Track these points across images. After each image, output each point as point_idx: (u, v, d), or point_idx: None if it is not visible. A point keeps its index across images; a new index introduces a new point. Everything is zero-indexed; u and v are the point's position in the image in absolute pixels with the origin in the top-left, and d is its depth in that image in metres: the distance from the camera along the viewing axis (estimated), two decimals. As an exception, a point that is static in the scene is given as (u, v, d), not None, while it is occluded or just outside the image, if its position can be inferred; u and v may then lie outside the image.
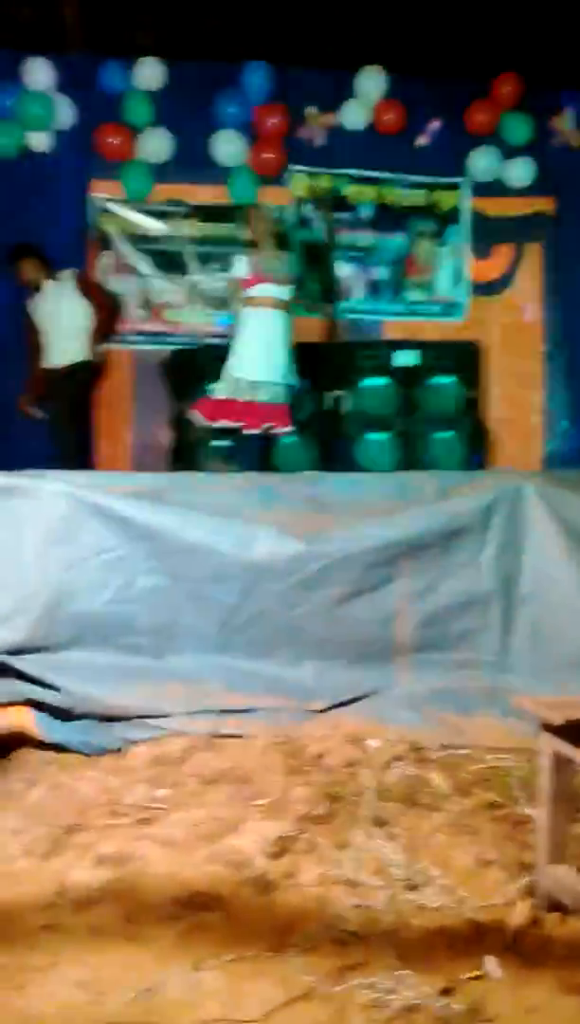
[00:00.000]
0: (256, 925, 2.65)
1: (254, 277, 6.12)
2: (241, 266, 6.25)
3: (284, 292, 6.15)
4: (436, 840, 3.08)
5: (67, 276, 6.88)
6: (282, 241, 6.52)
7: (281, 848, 2.97)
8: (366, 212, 7.78)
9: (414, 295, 7.90)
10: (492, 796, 3.33)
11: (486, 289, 7.97)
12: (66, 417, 6.72)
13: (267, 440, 6.11)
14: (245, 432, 6.01)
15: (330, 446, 6.90)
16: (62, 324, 6.77)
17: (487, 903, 2.72)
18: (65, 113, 7.22)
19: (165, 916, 2.64)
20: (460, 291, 7.95)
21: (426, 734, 3.65)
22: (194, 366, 6.88)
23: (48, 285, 6.83)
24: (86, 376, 6.93)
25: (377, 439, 6.97)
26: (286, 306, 6.15)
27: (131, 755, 3.48)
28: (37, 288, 6.84)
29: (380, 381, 7.03)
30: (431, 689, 3.87)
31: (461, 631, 4.03)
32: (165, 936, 2.56)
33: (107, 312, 7.09)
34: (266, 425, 5.98)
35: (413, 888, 2.83)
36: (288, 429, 6.12)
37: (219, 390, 6.04)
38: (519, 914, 2.63)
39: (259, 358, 5.97)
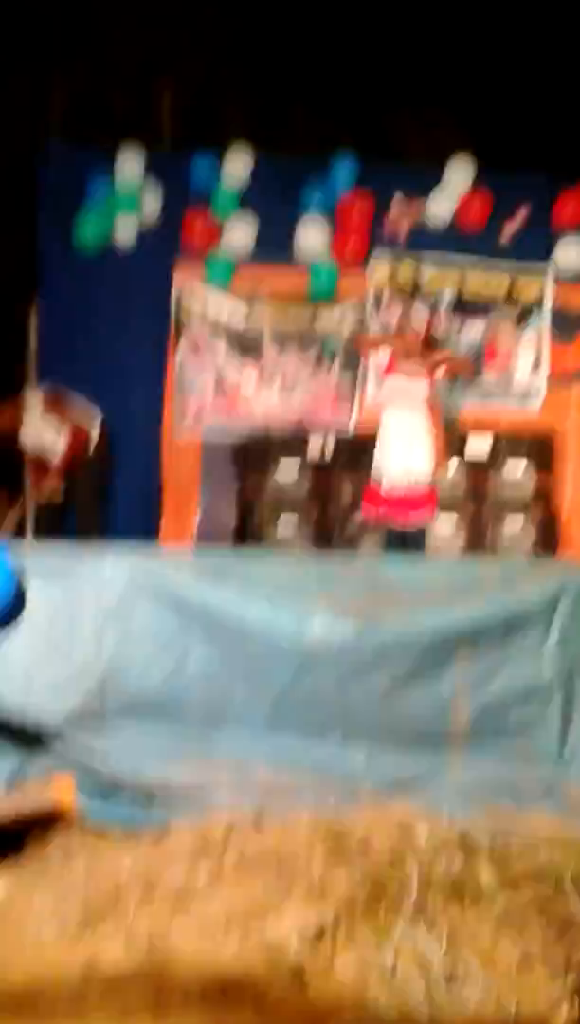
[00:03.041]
0: (290, 1013, 2.61)
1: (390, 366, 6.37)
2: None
3: (415, 388, 6.30)
4: (480, 935, 3.00)
5: (35, 399, 6.78)
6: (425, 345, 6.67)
7: (319, 935, 2.92)
8: (446, 299, 7.83)
9: (491, 382, 7.90)
10: (542, 892, 3.23)
11: (565, 378, 7.95)
12: None
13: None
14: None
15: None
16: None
17: (530, 1003, 2.64)
18: (153, 201, 7.47)
19: (196, 1001, 2.61)
20: (538, 379, 7.93)
21: (475, 826, 3.56)
22: (263, 449, 7.03)
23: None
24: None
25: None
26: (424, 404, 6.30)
27: (173, 833, 3.46)
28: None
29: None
30: (484, 779, 3.79)
31: (519, 722, 3.95)
32: (196, 1020, 2.53)
33: (75, 436, 6.77)
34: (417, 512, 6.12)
35: (453, 983, 2.76)
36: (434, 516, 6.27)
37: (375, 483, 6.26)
38: (563, 1016, 2.55)
39: (396, 449, 6.15)
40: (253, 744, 3.69)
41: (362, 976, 2.79)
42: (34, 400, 6.69)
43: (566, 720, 3.98)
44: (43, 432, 6.66)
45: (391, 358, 6.38)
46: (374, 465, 6.19)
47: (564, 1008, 2.57)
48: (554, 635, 4.04)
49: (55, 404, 6.66)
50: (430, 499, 6.11)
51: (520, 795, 3.73)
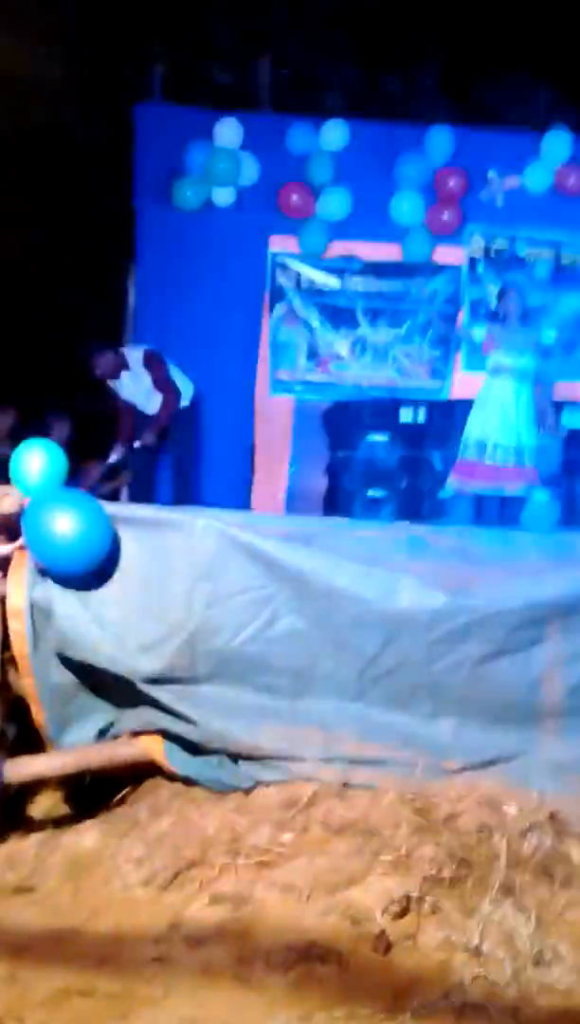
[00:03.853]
0: (372, 984, 2.56)
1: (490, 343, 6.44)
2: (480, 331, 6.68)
3: (522, 361, 6.34)
4: (569, 917, 2.93)
5: (134, 356, 6.83)
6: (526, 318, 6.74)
7: (404, 907, 2.88)
8: (542, 271, 7.69)
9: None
10: (633, 876, 3.14)
11: None
12: None
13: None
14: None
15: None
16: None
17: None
18: (250, 170, 7.45)
19: (278, 962, 2.59)
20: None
21: (567, 804, 3.44)
22: (354, 418, 7.00)
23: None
24: None
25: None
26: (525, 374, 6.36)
27: (259, 796, 3.42)
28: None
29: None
30: (576, 758, 3.68)
31: (612, 701, 3.83)
32: (277, 983, 2.51)
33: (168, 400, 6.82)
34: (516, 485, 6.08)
35: (540, 964, 2.69)
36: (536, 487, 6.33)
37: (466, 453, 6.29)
38: None
39: (499, 422, 6.18)
40: (340, 712, 3.63)
41: (447, 951, 2.74)
42: (134, 357, 6.76)
43: None
44: (139, 387, 6.75)
45: (490, 335, 6.33)
46: (466, 434, 6.15)
47: None
48: None
49: (153, 364, 6.73)
50: (531, 471, 6.04)
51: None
